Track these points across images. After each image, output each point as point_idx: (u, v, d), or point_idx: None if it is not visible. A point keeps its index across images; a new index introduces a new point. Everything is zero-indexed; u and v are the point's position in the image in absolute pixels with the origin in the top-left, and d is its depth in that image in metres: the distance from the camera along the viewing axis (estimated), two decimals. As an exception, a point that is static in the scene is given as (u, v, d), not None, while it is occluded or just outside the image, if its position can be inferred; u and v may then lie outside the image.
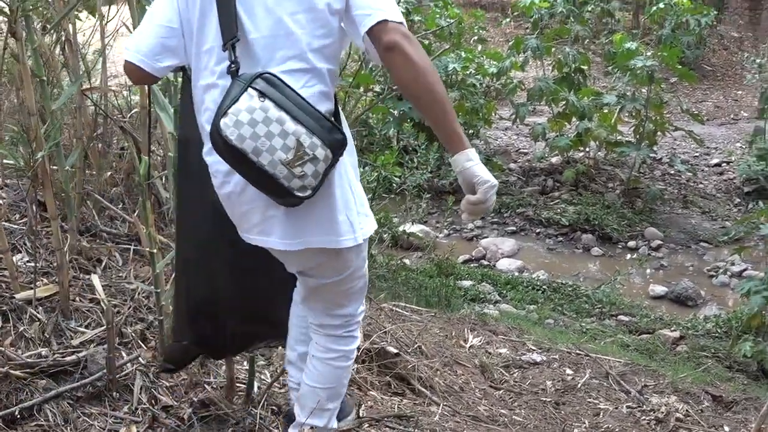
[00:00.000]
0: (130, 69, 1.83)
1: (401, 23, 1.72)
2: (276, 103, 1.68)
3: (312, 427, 2.07)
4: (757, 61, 8.97)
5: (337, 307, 2.02)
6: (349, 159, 1.89)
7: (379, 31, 1.70)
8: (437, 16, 7.91)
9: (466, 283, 5.95)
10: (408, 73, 1.71)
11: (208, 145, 1.82)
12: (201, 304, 2.08)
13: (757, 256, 6.67)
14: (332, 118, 1.76)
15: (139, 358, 2.17)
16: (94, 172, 3.07)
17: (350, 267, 1.94)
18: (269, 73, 1.71)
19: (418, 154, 6.17)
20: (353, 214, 1.86)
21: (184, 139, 2.04)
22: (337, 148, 1.72)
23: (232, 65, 1.72)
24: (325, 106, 1.77)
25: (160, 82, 2.07)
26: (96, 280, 2.36)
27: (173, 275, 2.21)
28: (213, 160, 1.81)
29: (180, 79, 2.06)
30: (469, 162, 1.73)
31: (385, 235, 6.12)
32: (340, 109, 1.88)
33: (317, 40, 1.76)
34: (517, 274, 6.51)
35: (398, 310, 3.99)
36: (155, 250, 2.07)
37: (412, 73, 1.70)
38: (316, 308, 2.03)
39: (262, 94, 1.67)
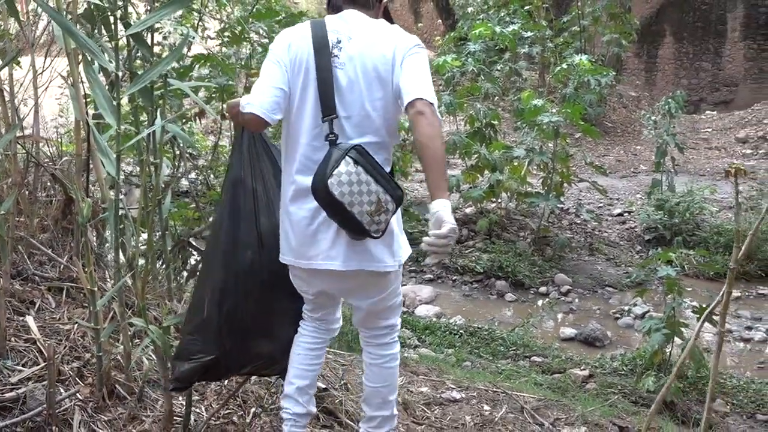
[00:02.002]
0: (252, 119, 2.36)
1: (432, 103, 2.33)
2: (364, 169, 2.31)
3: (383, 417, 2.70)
4: (652, 118, 9.62)
5: (383, 320, 2.66)
6: None
7: (416, 103, 2.31)
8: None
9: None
10: (423, 134, 2.29)
11: (290, 193, 2.45)
12: (233, 322, 2.53)
13: (658, 299, 7.08)
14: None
15: (77, 394, 2.23)
16: (23, 218, 3.12)
17: (391, 286, 2.59)
18: (360, 145, 2.35)
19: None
20: (396, 246, 2.50)
21: (236, 180, 2.58)
22: (400, 202, 2.39)
23: (331, 135, 2.34)
24: (387, 169, 2.42)
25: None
26: (31, 321, 2.41)
27: (193, 294, 2.65)
28: (299, 206, 2.42)
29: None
30: (445, 207, 2.23)
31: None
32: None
33: (386, 122, 2.44)
34: (435, 319, 6.71)
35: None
36: (95, 289, 2.15)
37: (428, 132, 2.29)
38: (369, 325, 2.68)
39: (356, 162, 2.30)
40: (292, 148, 2.47)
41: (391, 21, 2.65)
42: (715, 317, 3.14)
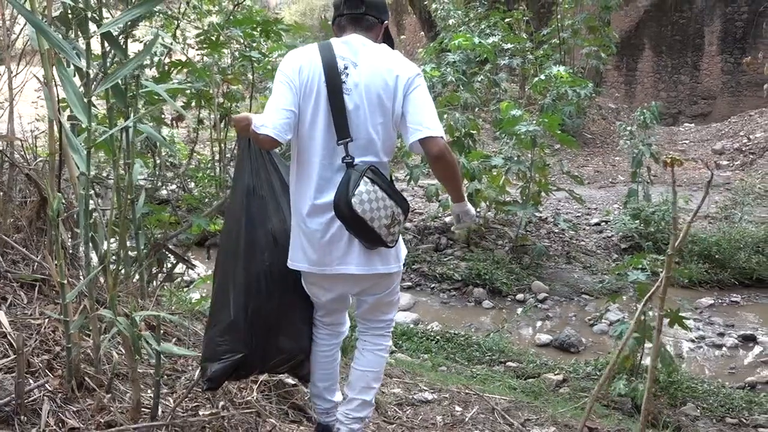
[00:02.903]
0: (266, 139, 2.54)
1: (442, 137, 2.62)
2: (380, 187, 2.60)
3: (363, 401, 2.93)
4: (628, 128, 9.75)
5: (383, 314, 2.98)
6: None
7: (426, 144, 2.61)
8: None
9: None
10: (446, 172, 2.70)
11: (306, 209, 2.67)
12: (258, 321, 2.78)
13: (633, 306, 7.17)
14: None
15: (47, 385, 2.27)
16: (-3, 218, 3.15)
17: (393, 284, 2.92)
18: (373, 166, 2.63)
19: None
20: (399, 249, 2.84)
21: (248, 189, 2.81)
22: (407, 213, 2.73)
23: (347, 157, 2.60)
24: None
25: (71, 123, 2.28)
26: (2, 314, 2.45)
27: (215, 299, 2.88)
28: (314, 220, 2.66)
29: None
30: (468, 205, 2.87)
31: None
32: None
33: (385, 144, 2.70)
34: (412, 326, 6.77)
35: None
36: (65, 282, 2.20)
37: (449, 172, 2.71)
38: (370, 317, 2.98)
39: (372, 181, 2.59)
40: (307, 168, 2.67)
41: (391, 41, 2.90)
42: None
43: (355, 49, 2.68)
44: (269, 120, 2.52)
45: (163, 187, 5.50)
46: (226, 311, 2.78)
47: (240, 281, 2.78)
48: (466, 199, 2.87)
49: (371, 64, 2.65)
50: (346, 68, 2.63)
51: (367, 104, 2.62)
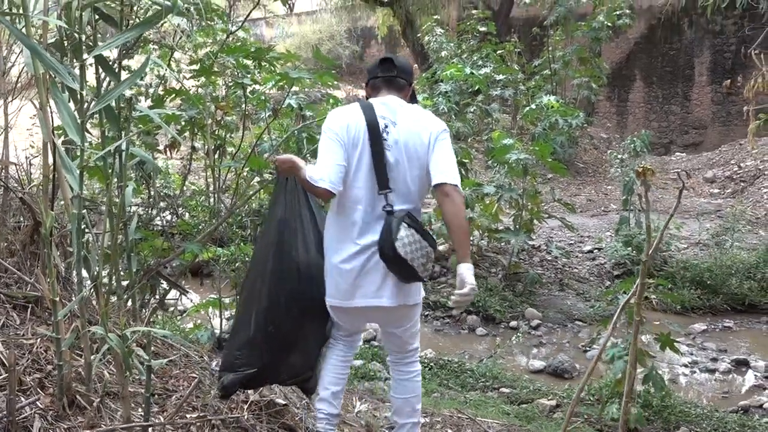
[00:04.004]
0: (325, 192, 2.88)
1: (456, 185, 2.96)
2: (416, 230, 2.91)
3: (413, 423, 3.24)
4: (619, 156, 9.85)
5: (409, 345, 3.27)
6: None
7: (441, 188, 2.94)
8: (328, 111, 8.34)
9: (357, 362, 6.16)
10: (455, 219, 2.93)
11: (349, 250, 2.97)
12: (274, 340, 3.04)
13: (624, 332, 7.18)
14: None
15: (38, 403, 2.29)
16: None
17: (416, 315, 3.23)
18: (410, 212, 2.96)
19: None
20: (419, 284, 3.12)
21: (282, 221, 3.11)
22: (435, 250, 2.99)
23: (388, 206, 2.93)
24: None
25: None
26: (-6, 335, 2.48)
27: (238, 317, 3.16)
28: (355, 259, 2.97)
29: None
30: (468, 270, 2.89)
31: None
32: None
33: (420, 192, 3.05)
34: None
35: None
36: (57, 299, 2.23)
37: (457, 220, 2.93)
38: (399, 348, 3.26)
39: (410, 225, 2.90)
40: (351, 214, 2.99)
41: (415, 99, 3.30)
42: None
43: (394, 110, 3.03)
44: (326, 174, 2.86)
45: (158, 216, 5.54)
46: (247, 329, 3.09)
47: (263, 304, 3.07)
48: (469, 262, 2.93)
49: (408, 123, 2.99)
50: (386, 127, 2.98)
51: (405, 159, 2.97)
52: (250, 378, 3.05)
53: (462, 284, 2.87)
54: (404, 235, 2.87)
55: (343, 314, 3.14)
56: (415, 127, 2.99)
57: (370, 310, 3.06)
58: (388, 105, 3.04)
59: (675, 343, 5.22)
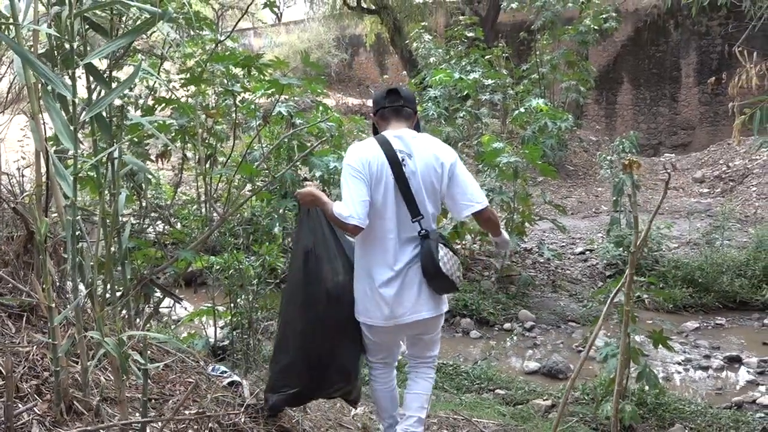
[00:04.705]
0: (355, 228, 3.09)
1: (488, 205, 3.33)
2: (448, 248, 3.26)
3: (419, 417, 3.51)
4: (608, 158, 9.91)
5: (431, 351, 3.59)
6: None
7: (480, 213, 3.30)
8: (318, 118, 8.36)
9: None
10: (494, 227, 3.45)
11: (386, 275, 3.21)
12: (312, 360, 3.28)
13: (618, 332, 7.22)
14: None
15: (35, 409, 2.30)
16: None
17: (441, 323, 3.54)
18: (441, 234, 3.33)
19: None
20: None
21: (307, 250, 3.32)
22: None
23: (423, 231, 3.21)
24: None
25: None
26: (-10, 343, 2.49)
27: (276, 343, 3.42)
28: (393, 283, 3.21)
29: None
30: (505, 235, 3.54)
31: (271, 323, 6.30)
32: None
33: (435, 214, 3.31)
34: (401, 357, 6.77)
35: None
36: (53, 305, 2.24)
37: (495, 226, 3.45)
38: (421, 354, 3.58)
39: (444, 245, 3.24)
40: (382, 242, 3.22)
41: (419, 126, 3.52)
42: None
43: (407, 142, 3.25)
44: (354, 211, 3.07)
45: (150, 227, 5.55)
46: (286, 353, 3.33)
47: (298, 329, 3.30)
48: (503, 232, 3.52)
49: (423, 153, 3.23)
50: (403, 159, 3.20)
51: (423, 187, 3.20)
52: (293, 396, 3.32)
53: (505, 242, 3.57)
54: (443, 254, 3.19)
55: (384, 333, 3.37)
56: (430, 158, 3.22)
57: (412, 325, 3.31)
58: (402, 138, 3.26)
59: (668, 341, 5.26)
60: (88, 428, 2.07)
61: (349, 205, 3.07)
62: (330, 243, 3.38)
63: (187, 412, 2.68)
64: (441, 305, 3.36)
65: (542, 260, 9.72)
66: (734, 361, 6.80)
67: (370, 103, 21.37)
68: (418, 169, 3.20)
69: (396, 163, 3.17)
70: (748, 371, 6.60)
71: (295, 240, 3.53)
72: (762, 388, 6.05)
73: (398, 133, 3.28)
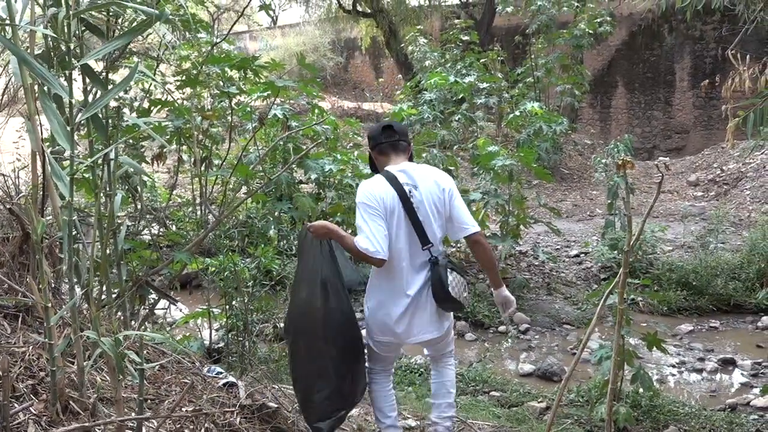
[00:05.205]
0: (379, 261, 3.34)
1: (479, 230, 3.60)
2: (455, 271, 3.55)
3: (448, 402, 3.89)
4: (603, 161, 9.94)
5: (446, 348, 3.91)
6: None
7: (470, 237, 3.55)
8: (314, 122, 8.38)
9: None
10: (485, 255, 3.63)
11: (401, 300, 3.49)
12: (348, 382, 3.58)
13: (611, 335, 7.24)
14: None
15: (31, 409, 2.30)
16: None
17: (451, 332, 3.86)
18: (449, 260, 3.59)
19: (297, 242, 6.49)
20: None
21: (324, 281, 3.51)
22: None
23: (433, 257, 3.48)
24: None
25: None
26: (-14, 343, 2.49)
27: (305, 372, 3.57)
28: (408, 307, 3.49)
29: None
30: (506, 291, 3.70)
31: (266, 325, 6.31)
32: None
33: (442, 238, 3.58)
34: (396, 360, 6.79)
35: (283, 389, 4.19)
36: (49, 305, 2.25)
37: (487, 255, 3.63)
38: (437, 353, 3.90)
39: (452, 270, 3.52)
40: (397, 270, 3.47)
41: (412, 156, 3.78)
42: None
43: (411, 174, 3.51)
44: (379, 246, 3.32)
45: (145, 229, 5.56)
46: (328, 381, 3.52)
47: (336, 356, 3.53)
48: (504, 288, 3.70)
49: (426, 183, 3.49)
50: (410, 191, 3.45)
51: (430, 215, 3.46)
52: (340, 418, 3.64)
53: (509, 302, 3.68)
54: (451, 279, 3.47)
55: (396, 349, 3.84)
56: (432, 187, 3.50)
57: (422, 342, 3.70)
58: (406, 172, 3.52)
59: (662, 344, 5.27)
60: (86, 424, 2.07)
61: (374, 241, 3.30)
62: (337, 270, 3.60)
63: (183, 410, 2.68)
64: (446, 319, 3.69)
65: (537, 263, 9.74)
66: (728, 364, 6.82)
67: (365, 106, 21.44)
68: (423, 198, 3.45)
69: (405, 197, 3.42)
70: (742, 374, 6.62)
71: (303, 270, 3.65)
72: (756, 391, 6.07)
73: (401, 168, 3.54)
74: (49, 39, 2.49)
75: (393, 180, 3.47)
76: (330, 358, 3.52)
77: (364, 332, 3.78)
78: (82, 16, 2.46)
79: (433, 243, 3.48)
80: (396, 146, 3.64)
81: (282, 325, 6.14)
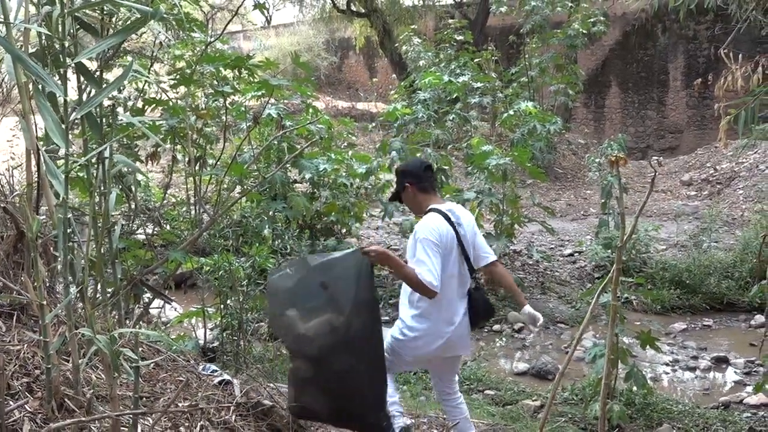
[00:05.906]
0: (434, 294, 3.60)
1: (496, 257, 4.07)
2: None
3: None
4: (597, 160, 9.96)
5: (455, 374, 4.20)
6: None
7: (493, 264, 3.98)
8: (308, 121, 8.38)
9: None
10: (504, 278, 4.07)
11: (452, 325, 3.79)
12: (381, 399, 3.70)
13: (605, 333, 7.27)
14: None
15: (26, 406, 2.30)
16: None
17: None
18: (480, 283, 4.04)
19: (291, 242, 6.49)
20: None
21: (368, 301, 3.64)
22: None
23: (474, 285, 3.90)
24: None
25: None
26: (-19, 342, 2.49)
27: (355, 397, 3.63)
28: (457, 332, 3.81)
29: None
30: (529, 308, 3.95)
31: (261, 324, 6.31)
32: None
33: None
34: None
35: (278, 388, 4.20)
36: (44, 303, 2.25)
37: (506, 279, 4.07)
38: (447, 378, 4.13)
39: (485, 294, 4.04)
40: (450, 296, 3.77)
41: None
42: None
43: (457, 214, 3.89)
44: (439, 281, 3.59)
45: (140, 228, 5.56)
46: (380, 399, 3.69)
47: (384, 374, 3.73)
48: (528, 305, 3.97)
49: (464, 219, 3.90)
50: (459, 227, 3.81)
51: (470, 248, 3.86)
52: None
53: (535, 319, 3.93)
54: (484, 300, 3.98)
55: (424, 362, 4.16)
56: (469, 223, 3.92)
57: (452, 356, 4.02)
58: (453, 211, 3.90)
59: (656, 342, 5.30)
60: (82, 419, 2.07)
61: (435, 276, 3.58)
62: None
63: (179, 405, 2.69)
64: (469, 336, 4.02)
65: (531, 262, 9.76)
66: (721, 362, 6.85)
67: (359, 105, 21.42)
68: (466, 233, 3.86)
69: (458, 234, 3.80)
70: (735, 372, 6.65)
71: (356, 293, 3.65)
72: (749, 389, 6.10)
73: (448, 207, 3.94)
74: (44, 37, 2.49)
75: (448, 219, 3.82)
76: (371, 377, 3.67)
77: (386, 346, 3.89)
78: (76, 14, 2.46)
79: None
80: (435, 185, 4.09)
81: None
